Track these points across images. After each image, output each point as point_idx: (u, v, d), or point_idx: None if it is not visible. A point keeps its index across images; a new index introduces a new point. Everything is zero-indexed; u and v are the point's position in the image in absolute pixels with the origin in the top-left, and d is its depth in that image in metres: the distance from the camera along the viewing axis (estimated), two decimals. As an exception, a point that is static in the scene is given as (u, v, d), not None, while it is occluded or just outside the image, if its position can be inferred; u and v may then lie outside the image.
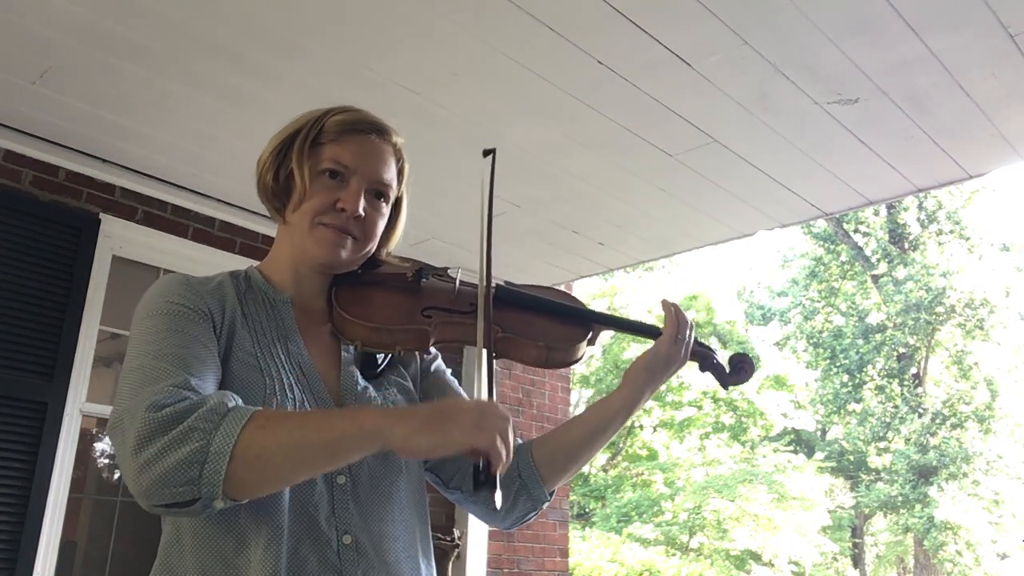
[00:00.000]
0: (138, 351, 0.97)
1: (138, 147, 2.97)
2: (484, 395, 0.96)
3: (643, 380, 1.19)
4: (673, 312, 1.22)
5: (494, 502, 0.88)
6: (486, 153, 1.14)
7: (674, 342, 1.20)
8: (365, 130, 1.14)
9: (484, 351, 1.01)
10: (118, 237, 3.13)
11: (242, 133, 2.78)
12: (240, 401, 0.92)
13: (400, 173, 1.19)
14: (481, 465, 0.89)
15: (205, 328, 1.01)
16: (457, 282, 1.20)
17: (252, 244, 3.49)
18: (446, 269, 1.23)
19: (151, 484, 0.85)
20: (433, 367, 1.26)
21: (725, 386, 1.28)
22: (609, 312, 1.27)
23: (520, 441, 1.22)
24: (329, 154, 1.11)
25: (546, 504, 1.20)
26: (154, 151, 3.00)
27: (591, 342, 1.21)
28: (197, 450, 0.85)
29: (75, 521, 3.09)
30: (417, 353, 1.23)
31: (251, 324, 1.08)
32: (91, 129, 2.84)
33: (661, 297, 1.26)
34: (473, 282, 1.16)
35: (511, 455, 0.90)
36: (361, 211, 1.10)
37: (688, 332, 1.21)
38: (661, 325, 1.23)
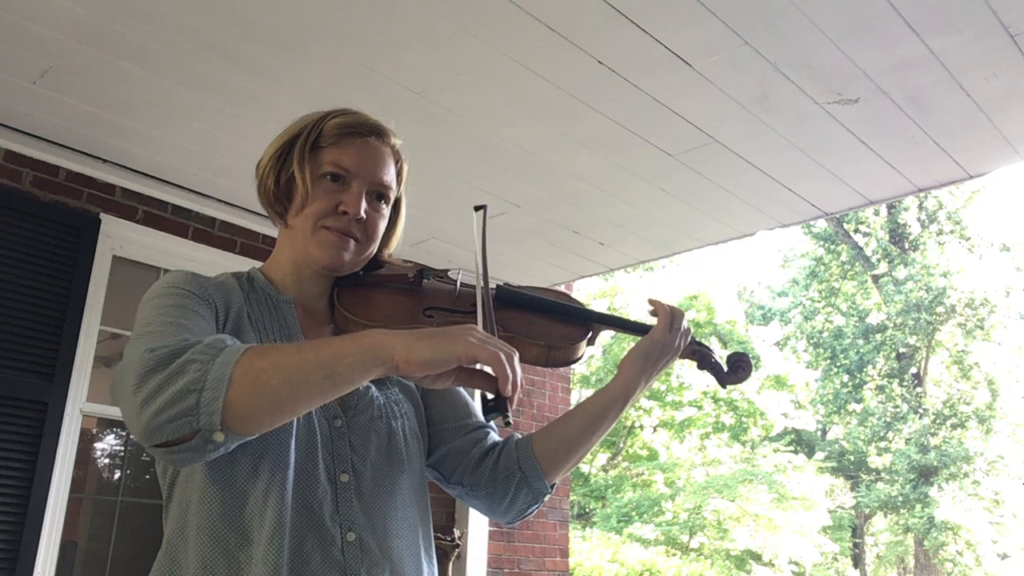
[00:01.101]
0: (143, 323, 0.97)
1: (138, 147, 2.97)
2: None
3: (639, 367, 1.20)
4: (661, 304, 1.24)
5: (508, 422, 0.87)
6: (477, 208, 1.14)
7: (668, 330, 1.21)
8: (364, 132, 1.15)
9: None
10: (118, 237, 3.13)
11: (242, 133, 2.78)
12: (238, 342, 0.90)
13: (399, 174, 1.20)
14: (490, 395, 0.88)
15: (208, 313, 1.02)
16: (458, 283, 1.21)
17: (252, 244, 3.50)
18: (447, 271, 1.24)
19: (149, 420, 0.83)
20: None
21: (723, 385, 1.29)
22: (609, 312, 1.28)
23: (519, 435, 1.23)
24: (329, 157, 1.12)
25: (547, 496, 1.20)
26: (154, 151, 3.00)
27: (591, 341, 1.22)
28: (194, 380, 0.82)
29: (75, 521, 3.10)
30: None
31: (255, 324, 1.09)
32: (91, 129, 2.84)
33: (656, 297, 1.27)
34: (474, 283, 1.16)
35: (519, 380, 0.88)
36: (363, 213, 1.11)
37: (680, 320, 1.22)
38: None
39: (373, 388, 1.13)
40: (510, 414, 0.88)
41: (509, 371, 0.87)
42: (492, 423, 0.91)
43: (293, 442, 1.00)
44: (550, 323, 1.19)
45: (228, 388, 0.82)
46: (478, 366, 0.89)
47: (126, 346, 0.95)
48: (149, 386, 0.83)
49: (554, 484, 1.20)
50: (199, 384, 0.82)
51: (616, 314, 1.34)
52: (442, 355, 0.85)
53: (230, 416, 0.83)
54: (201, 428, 0.82)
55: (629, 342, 15.44)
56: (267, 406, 0.85)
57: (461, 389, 1.27)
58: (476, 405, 1.26)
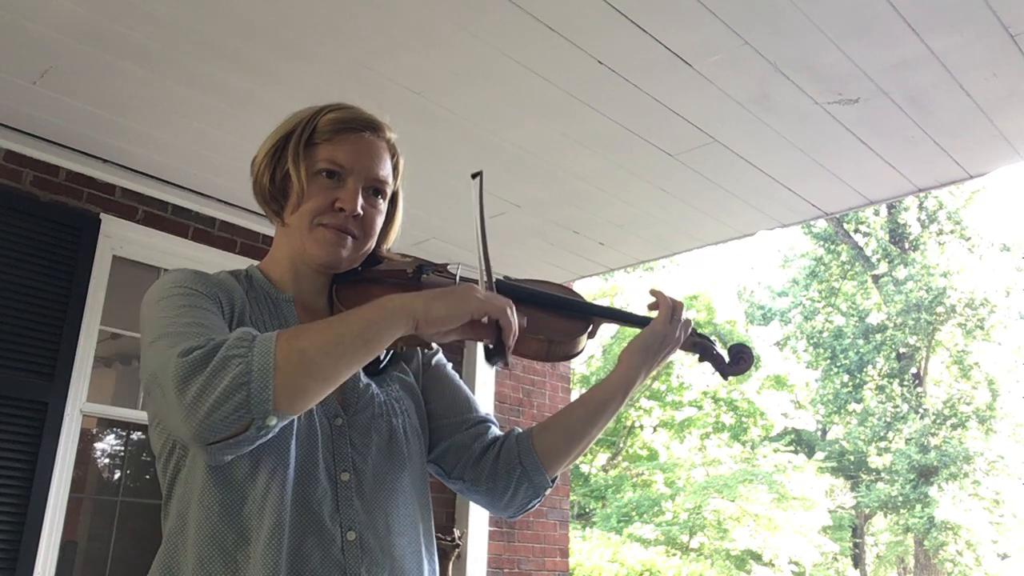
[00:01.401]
0: (159, 324, 0.96)
1: (138, 147, 2.97)
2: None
3: (639, 359, 1.19)
4: (663, 295, 1.24)
5: (506, 364, 0.96)
6: (474, 176, 1.14)
7: (669, 321, 1.21)
8: (359, 128, 1.14)
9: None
10: (118, 237, 3.13)
11: (242, 133, 2.78)
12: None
13: (395, 168, 1.19)
14: (491, 345, 0.96)
15: (218, 311, 1.02)
16: (457, 278, 1.20)
17: (252, 244, 3.49)
18: (446, 265, 1.23)
19: (202, 421, 0.84)
20: (434, 361, 1.27)
21: (725, 376, 1.28)
22: (611, 306, 1.28)
23: (519, 429, 1.23)
24: (324, 154, 1.11)
25: (548, 490, 1.20)
26: (154, 151, 3.00)
27: (591, 335, 1.22)
28: (240, 373, 0.85)
29: (75, 521, 3.10)
30: (419, 348, 1.24)
31: (255, 322, 1.08)
32: (91, 129, 2.84)
33: (664, 294, 1.26)
34: (473, 278, 1.16)
35: (516, 327, 0.97)
36: (359, 210, 1.10)
37: (681, 312, 1.22)
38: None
39: (374, 386, 1.13)
40: (508, 357, 0.98)
41: (513, 321, 0.97)
42: (495, 366, 0.97)
43: (294, 441, 1.00)
44: (550, 317, 1.19)
45: (275, 372, 0.85)
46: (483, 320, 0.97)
47: (145, 350, 0.95)
48: (193, 388, 0.85)
49: (555, 478, 1.20)
50: (245, 376, 0.85)
51: (618, 308, 1.34)
52: (458, 311, 0.94)
53: (281, 399, 0.86)
54: (255, 417, 0.85)
55: (629, 340, 15.32)
56: (315, 381, 0.89)
57: (462, 384, 1.27)
58: (475, 399, 1.26)
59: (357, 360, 0.92)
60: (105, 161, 3.07)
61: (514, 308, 0.98)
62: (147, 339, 0.96)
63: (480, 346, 1.00)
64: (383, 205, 1.17)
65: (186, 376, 0.85)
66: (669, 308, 1.21)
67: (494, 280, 1.09)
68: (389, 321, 0.92)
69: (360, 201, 1.11)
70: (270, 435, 0.89)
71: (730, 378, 1.29)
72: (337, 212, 1.10)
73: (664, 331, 1.20)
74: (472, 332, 0.97)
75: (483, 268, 1.07)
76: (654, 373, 1.24)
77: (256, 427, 0.86)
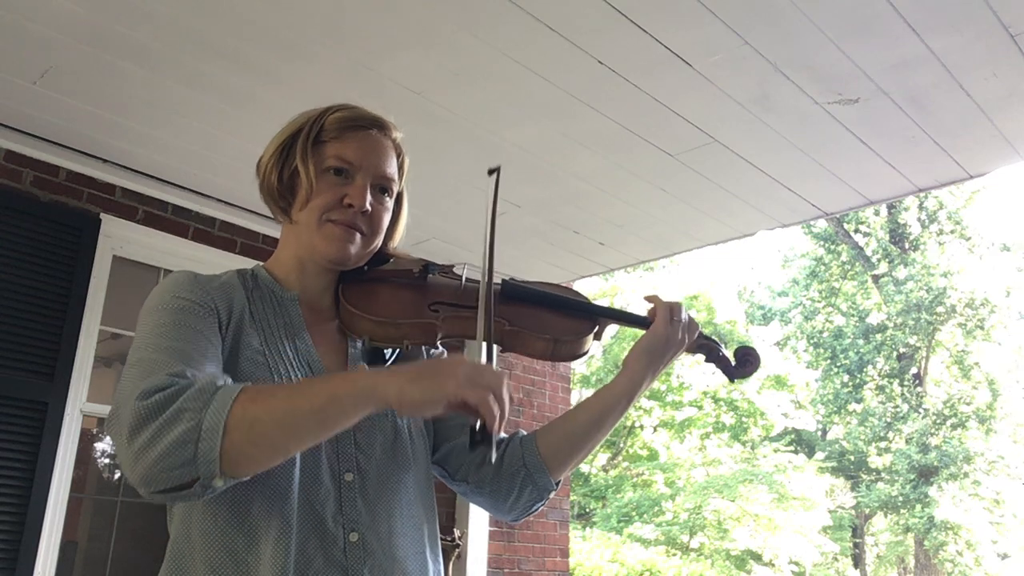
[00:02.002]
0: (140, 344, 0.97)
1: (138, 147, 2.97)
2: (483, 359, 0.97)
3: (644, 363, 1.19)
4: (658, 298, 1.23)
5: (490, 459, 0.91)
6: (491, 172, 1.14)
7: (669, 323, 1.20)
8: (366, 125, 1.15)
9: (485, 344, 1.02)
10: (119, 237, 3.13)
11: (243, 133, 2.78)
12: (230, 381, 0.92)
13: (401, 167, 1.20)
14: (477, 425, 0.89)
15: (210, 323, 1.02)
16: (463, 278, 1.20)
17: (253, 244, 3.49)
18: (452, 266, 1.23)
19: (147, 470, 0.84)
20: None
21: (731, 378, 1.27)
22: (616, 307, 1.28)
23: (523, 432, 1.22)
24: (332, 151, 1.12)
25: (552, 493, 1.20)
26: (155, 151, 3.00)
27: (598, 336, 1.21)
28: (189, 429, 0.84)
29: (76, 521, 3.10)
30: (424, 348, 1.24)
31: (259, 322, 1.08)
32: (92, 129, 2.84)
33: (660, 298, 1.26)
34: (479, 278, 1.16)
35: (506, 412, 0.90)
36: (368, 206, 1.11)
37: (679, 312, 1.21)
38: None
39: None
40: (495, 448, 0.91)
41: (497, 411, 0.88)
42: (477, 453, 0.93)
43: None
44: (556, 317, 1.19)
45: (224, 436, 0.84)
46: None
47: (123, 370, 0.95)
48: (143, 437, 0.84)
49: (559, 481, 1.20)
50: (194, 434, 0.84)
51: (624, 309, 1.33)
52: (433, 396, 0.87)
53: (228, 463, 0.85)
54: (200, 476, 0.85)
55: (630, 342, 15.42)
56: (263, 452, 0.88)
57: None
58: None
59: (311, 436, 0.90)
60: (105, 161, 3.07)
61: (504, 388, 0.90)
62: (130, 357, 0.97)
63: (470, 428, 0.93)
64: (390, 203, 1.17)
65: (139, 422, 0.85)
66: (667, 310, 1.21)
67: (494, 284, 1.09)
68: (354, 401, 0.88)
69: (368, 198, 1.11)
70: (217, 492, 0.89)
71: (736, 381, 1.28)
72: (346, 208, 1.10)
73: (665, 333, 1.19)
74: (455, 410, 0.90)
75: (486, 267, 1.07)
76: (658, 376, 1.24)
77: (202, 485, 0.86)
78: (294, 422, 0.87)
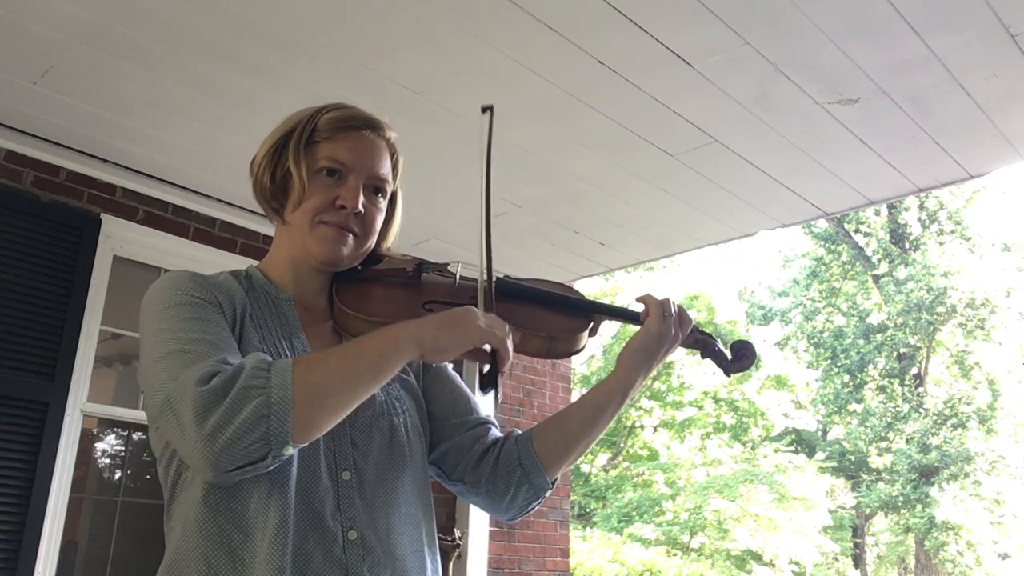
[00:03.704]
0: (167, 338, 0.96)
1: (139, 147, 2.98)
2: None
3: (638, 360, 1.19)
4: (649, 296, 1.24)
5: (498, 398, 1.00)
6: (484, 110, 1.13)
7: (662, 319, 1.20)
8: (359, 126, 1.15)
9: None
10: (119, 237, 3.14)
11: (243, 133, 2.78)
12: (271, 358, 0.94)
13: (395, 167, 1.19)
14: (486, 368, 0.99)
15: (222, 318, 1.02)
16: (457, 276, 1.21)
17: (253, 244, 3.49)
18: (446, 265, 1.23)
19: (222, 450, 0.85)
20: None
21: (728, 373, 1.28)
22: (610, 303, 1.28)
23: (519, 431, 1.23)
24: (325, 152, 1.12)
25: (548, 492, 1.20)
26: (155, 151, 3.00)
27: (593, 332, 1.22)
28: (260, 405, 0.86)
29: (76, 521, 3.10)
30: None
31: (257, 322, 1.08)
32: (92, 129, 2.84)
33: (652, 295, 1.27)
34: (473, 276, 1.16)
35: (510, 352, 1.02)
36: (360, 207, 1.11)
37: (670, 307, 1.22)
38: None
39: None
40: (501, 386, 1.02)
41: (510, 350, 1.02)
42: (487, 394, 1.01)
43: None
44: (552, 315, 1.19)
45: (293, 408, 0.87)
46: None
47: (153, 364, 0.95)
48: (213, 419, 0.86)
49: (555, 480, 1.20)
50: (265, 409, 0.87)
51: (617, 305, 1.33)
52: (462, 339, 0.99)
53: (298, 431, 0.89)
54: (272, 448, 0.87)
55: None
56: (330, 414, 0.93)
57: (463, 384, 1.27)
58: (475, 400, 1.26)
59: (369, 391, 0.96)
60: (105, 161, 3.08)
61: (510, 336, 1.02)
62: (154, 352, 0.96)
63: (476, 373, 1.03)
64: (383, 203, 1.17)
65: (205, 406, 0.86)
66: (658, 307, 1.21)
67: (494, 277, 1.10)
68: (400, 352, 0.96)
69: (361, 199, 1.11)
70: (283, 459, 0.91)
71: (732, 375, 1.29)
72: (338, 209, 1.10)
73: (659, 330, 1.20)
74: (471, 356, 1.01)
75: (484, 246, 1.08)
76: (654, 372, 1.24)
77: (273, 456, 0.88)
78: (354, 382, 0.93)
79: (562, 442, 1.18)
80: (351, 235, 1.12)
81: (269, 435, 0.86)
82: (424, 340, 0.97)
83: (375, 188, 1.14)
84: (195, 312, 1.00)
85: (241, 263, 3.38)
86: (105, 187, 3.12)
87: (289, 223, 1.13)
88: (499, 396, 1.01)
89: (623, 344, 1.23)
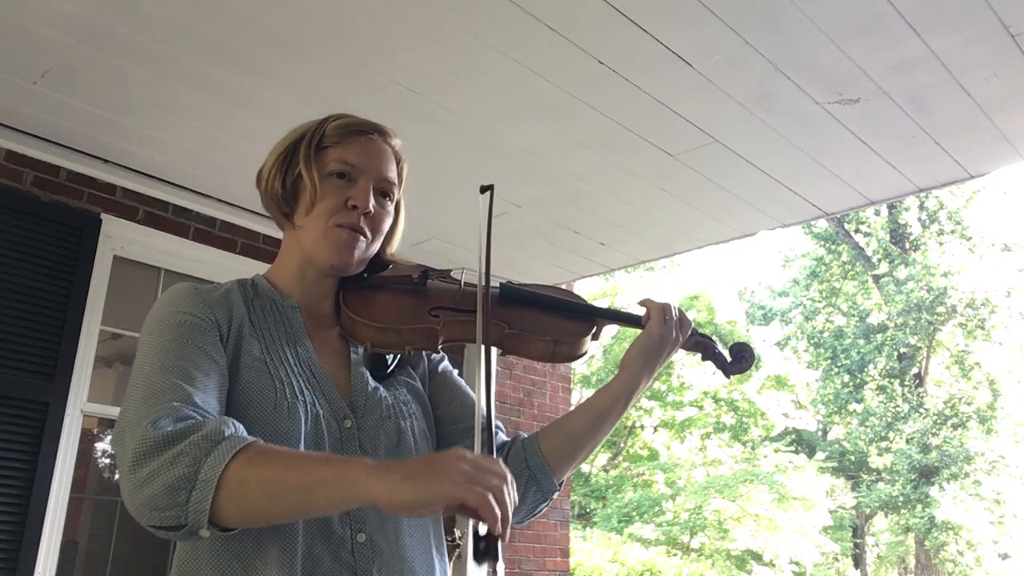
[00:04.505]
0: (145, 362, 0.98)
1: (139, 147, 2.98)
2: (479, 450, 0.91)
3: (640, 364, 1.21)
4: (651, 300, 1.25)
5: (495, 566, 0.79)
6: (483, 190, 1.14)
7: (663, 322, 1.22)
8: (367, 131, 1.17)
9: (484, 366, 0.99)
10: (119, 237, 3.14)
11: (243, 133, 2.78)
12: (241, 429, 0.91)
13: (400, 174, 1.21)
14: (481, 529, 0.79)
15: (212, 338, 1.03)
16: (462, 283, 1.22)
17: (253, 244, 3.50)
18: (450, 271, 1.24)
19: (142, 504, 0.86)
20: (440, 367, 1.28)
21: (727, 375, 1.29)
22: (611, 307, 1.30)
23: (524, 435, 1.23)
24: (335, 155, 1.13)
25: (556, 494, 1.21)
26: (155, 151, 3.00)
27: (595, 336, 1.23)
28: (187, 476, 0.85)
29: (76, 521, 3.10)
30: (425, 353, 1.25)
31: (259, 330, 1.09)
32: (92, 129, 2.85)
33: (649, 297, 1.28)
34: (476, 282, 1.17)
35: (509, 514, 0.80)
36: (371, 207, 1.12)
37: (671, 311, 1.23)
38: None
39: (381, 388, 1.14)
40: (502, 555, 0.78)
41: (499, 511, 0.79)
42: (483, 565, 0.82)
43: (303, 444, 1.01)
44: (555, 319, 1.21)
45: (216, 491, 0.84)
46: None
47: (128, 385, 0.96)
48: (144, 471, 0.86)
49: (561, 481, 1.21)
50: (189, 482, 0.85)
51: (619, 309, 1.34)
52: (426, 498, 0.79)
53: (216, 517, 0.86)
54: (188, 523, 0.85)
55: (630, 342, 15.37)
56: (246, 516, 0.87)
57: (468, 389, 1.27)
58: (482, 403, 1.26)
59: (292, 516, 0.91)
60: (106, 161, 3.08)
61: (507, 487, 0.81)
62: (134, 373, 0.97)
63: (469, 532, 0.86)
64: (391, 207, 1.19)
65: (143, 454, 0.87)
66: (659, 310, 1.23)
67: (493, 288, 1.10)
68: (341, 495, 0.83)
69: (372, 199, 1.12)
70: (201, 539, 0.90)
71: (732, 377, 1.31)
72: (350, 210, 1.11)
73: (660, 334, 1.21)
74: (454, 511, 0.81)
75: (482, 278, 1.07)
76: (656, 375, 1.25)
77: (189, 531, 0.87)
78: (279, 498, 0.85)
79: (568, 444, 1.19)
80: (363, 237, 1.13)
81: (188, 507, 0.84)
82: (379, 493, 0.80)
83: (383, 191, 1.16)
84: (182, 333, 1.01)
85: (241, 263, 3.40)
86: (105, 187, 3.12)
87: (300, 228, 1.14)
88: (500, 569, 0.79)
89: (624, 344, 1.23)
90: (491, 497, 0.78)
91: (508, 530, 0.80)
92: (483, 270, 1.07)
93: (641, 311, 1.26)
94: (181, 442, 0.86)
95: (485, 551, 0.78)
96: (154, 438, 0.87)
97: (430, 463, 0.82)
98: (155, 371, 0.95)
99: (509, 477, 0.82)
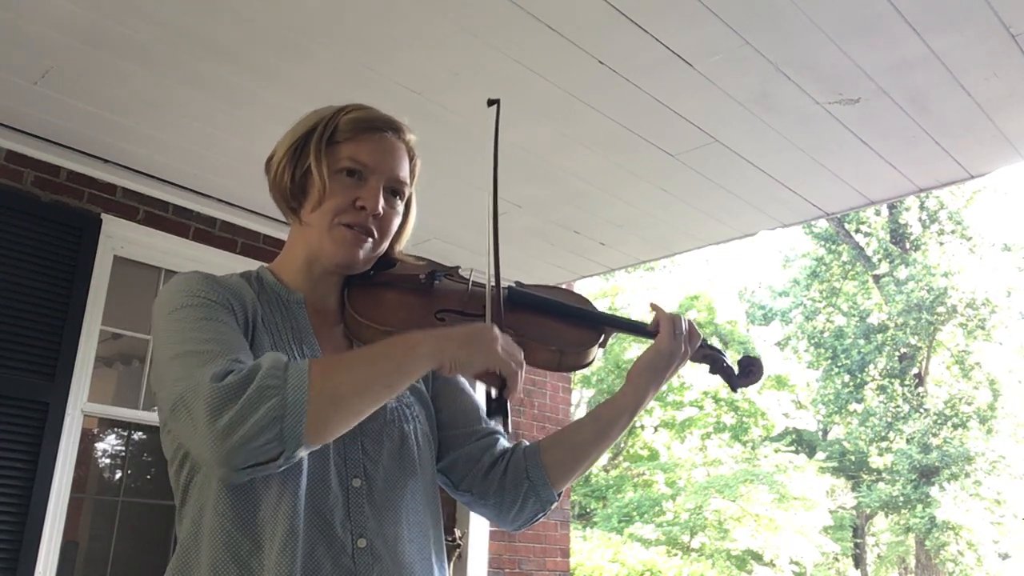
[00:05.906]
0: (180, 339, 0.96)
1: (139, 147, 2.98)
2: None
3: (647, 379, 1.19)
4: (662, 311, 1.23)
5: (507, 427, 1.02)
6: (491, 103, 1.14)
7: (672, 337, 1.20)
8: (381, 127, 1.15)
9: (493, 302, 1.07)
10: (119, 237, 3.14)
11: (243, 133, 2.78)
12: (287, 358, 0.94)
13: (412, 170, 1.19)
14: (495, 393, 0.99)
15: (233, 320, 1.02)
16: (470, 283, 1.19)
17: (253, 244, 3.49)
18: (457, 268, 1.22)
19: (234, 448, 0.85)
20: None
21: (735, 388, 1.27)
22: (613, 312, 1.28)
23: (526, 443, 1.22)
24: (346, 152, 1.11)
25: (554, 505, 1.20)
26: (155, 151, 3.00)
27: (602, 345, 1.21)
28: (275, 406, 0.86)
29: (76, 521, 3.10)
30: None
31: (268, 325, 1.08)
32: (92, 129, 2.85)
33: (656, 300, 1.26)
34: (485, 284, 1.15)
35: (521, 385, 1.00)
36: (380, 209, 1.10)
37: (681, 325, 1.21)
38: None
39: None
40: (510, 416, 1.01)
41: (520, 384, 0.99)
42: (495, 422, 1.02)
43: None
44: (562, 327, 1.18)
45: (307, 410, 0.87)
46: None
47: (166, 364, 0.95)
48: (227, 416, 0.85)
49: (560, 492, 1.20)
50: (280, 410, 0.86)
51: (628, 317, 1.32)
52: (482, 363, 0.97)
53: (311, 434, 0.88)
54: (285, 449, 0.87)
55: (631, 343, 15.49)
56: (345, 418, 0.92)
57: (471, 392, 1.27)
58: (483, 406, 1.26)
59: (384, 399, 0.96)
60: (106, 161, 3.08)
61: (522, 366, 1.01)
62: (167, 353, 0.96)
63: (485, 396, 1.04)
64: (400, 206, 1.17)
65: (220, 404, 0.86)
66: (670, 324, 1.21)
67: (504, 284, 1.10)
68: (419, 364, 0.95)
69: (381, 201, 1.11)
70: (295, 461, 0.91)
71: (740, 390, 1.28)
72: (358, 211, 1.10)
73: (669, 349, 1.20)
74: (483, 378, 1.00)
75: (492, 245, 1.07)
76: (664, 387, 1.24)
77: (285, 458, 0.88)
78: (370, 389, 0.92)
79: (570, 456, 1.19)
80: (369, 238, 1.11)
81: (283, 435, 0.86)
82: (444, 355, 0.95)
83: (393, 190, 1.14)
84: (207, 313, 0.99)
85: (241, 263, 3.39)
86: (105, 187, 3.12)
87: (306, 223, 1.12)
88: (508, 424, 1.02)
89: (624, 344, 1.23)
90: (521, 371, 0.99)
91: (518, 393, 1.01)
92: (493, 195, 1.10)
93: (649, 317, 1.23)
94: (252, 381, 0.87)
95: (497, 408, 1.00)
96: (224, 387, 0.87)
97: (477, 336, 0.98)
98: (196, 343, 0.95)
99: (521, 356, 1.01)
